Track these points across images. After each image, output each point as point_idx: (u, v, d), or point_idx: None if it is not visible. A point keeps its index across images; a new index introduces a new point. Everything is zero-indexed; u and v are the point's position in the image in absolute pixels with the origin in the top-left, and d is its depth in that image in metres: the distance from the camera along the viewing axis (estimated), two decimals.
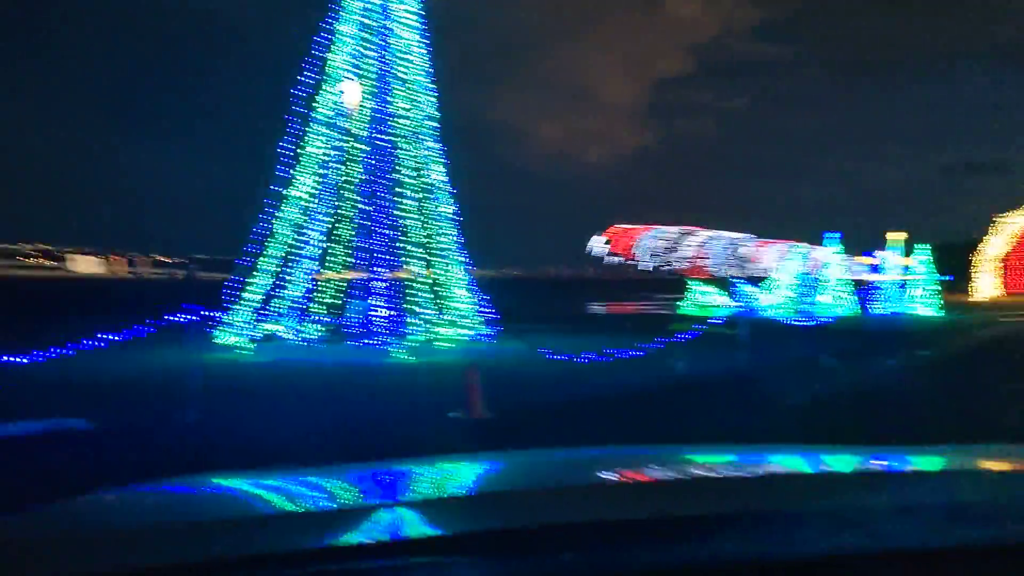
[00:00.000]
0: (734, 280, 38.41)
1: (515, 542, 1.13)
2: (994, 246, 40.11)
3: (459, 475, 1.87)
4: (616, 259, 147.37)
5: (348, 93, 17.92)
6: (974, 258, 40.03)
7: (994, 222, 40.04)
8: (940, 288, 32.14)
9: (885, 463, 1.93)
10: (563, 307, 39.43)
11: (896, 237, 35.29)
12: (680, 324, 24.56)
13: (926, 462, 1.94)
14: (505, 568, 1.08)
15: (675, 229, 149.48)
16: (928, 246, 32.59)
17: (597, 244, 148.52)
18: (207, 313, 13.39)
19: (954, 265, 53.21)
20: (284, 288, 17.68)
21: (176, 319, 11.78)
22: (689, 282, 39.06)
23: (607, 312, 40.42)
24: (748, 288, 36.78)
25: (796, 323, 21.45)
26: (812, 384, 12.55)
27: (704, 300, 37.15)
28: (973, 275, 40.36)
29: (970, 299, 39.42)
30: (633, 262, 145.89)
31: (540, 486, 1.68)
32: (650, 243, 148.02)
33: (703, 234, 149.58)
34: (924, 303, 32.21)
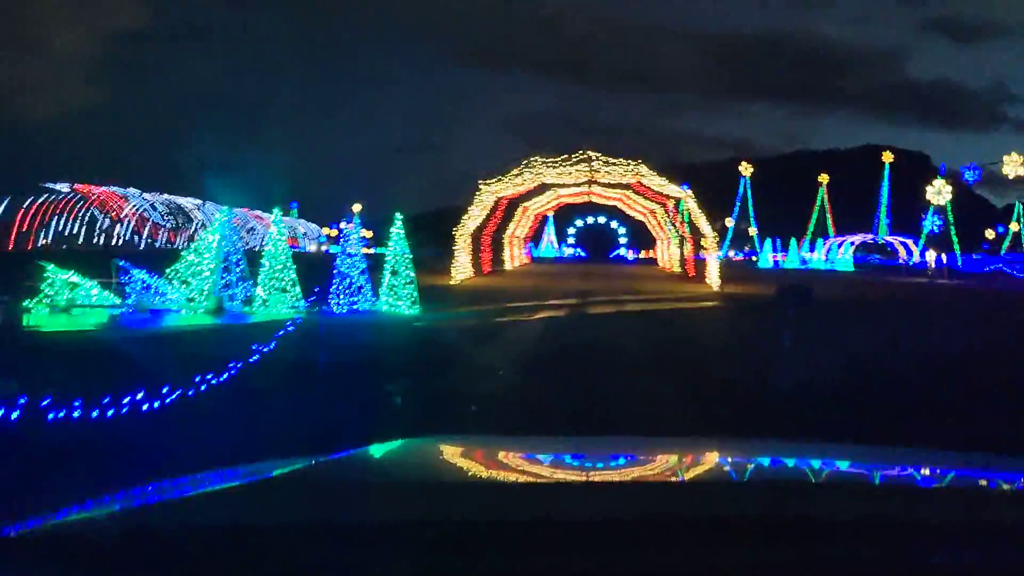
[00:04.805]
0: (122, 264, 23.93)
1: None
2: (473, 218, 32.88)
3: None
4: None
5: None
6: (456, 231, 32.01)
7: (478, 190, 32.46)
8: (414, 275, 22.02)
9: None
10: None
11: (359, 208, 26.21)
12: None
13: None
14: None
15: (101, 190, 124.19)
16: (400, 216, 22.15)
17: None
18: None
19: (432, 240, 46.27)
20: None
21: None
22: (46, 267, 23.16)
23: None
24: (142, 276, 22.84)
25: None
26: None
27: (72, 297, 22.04)
28: (455, 252, 32.35)
29: (451, 281, 31.20)
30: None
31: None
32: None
33: (151, 197, 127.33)
34: (399, 294, 22.16)
